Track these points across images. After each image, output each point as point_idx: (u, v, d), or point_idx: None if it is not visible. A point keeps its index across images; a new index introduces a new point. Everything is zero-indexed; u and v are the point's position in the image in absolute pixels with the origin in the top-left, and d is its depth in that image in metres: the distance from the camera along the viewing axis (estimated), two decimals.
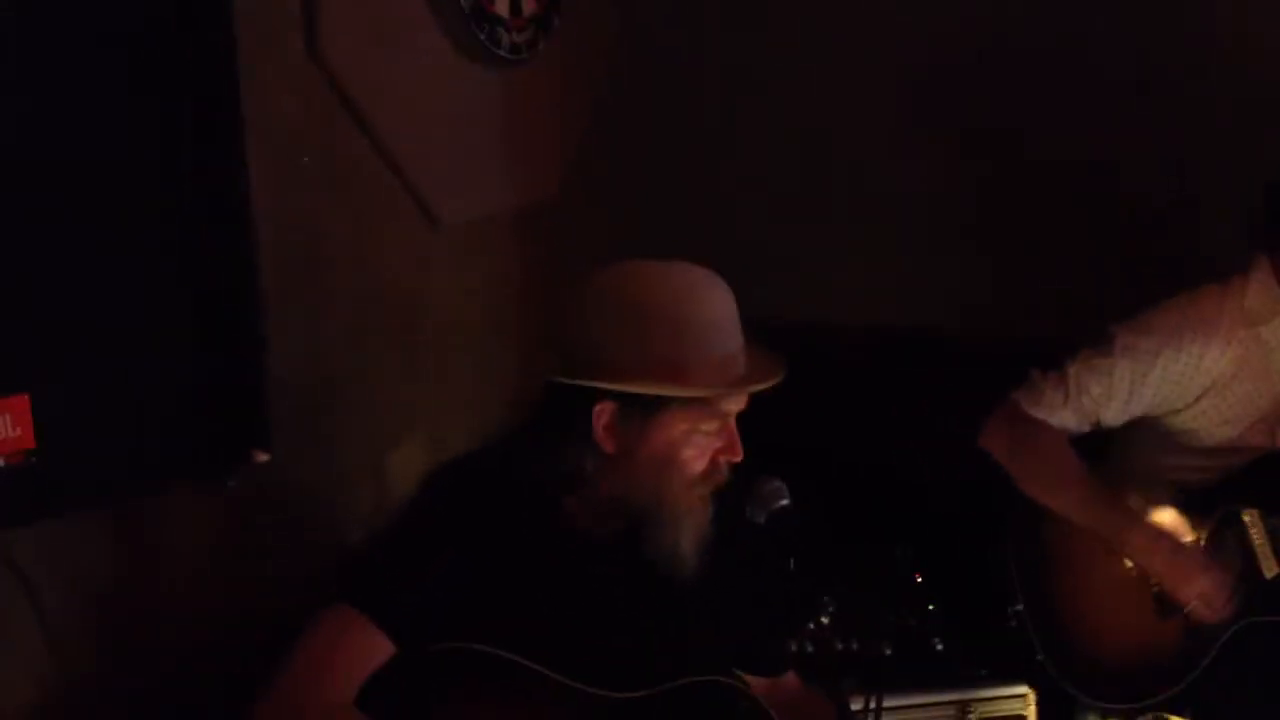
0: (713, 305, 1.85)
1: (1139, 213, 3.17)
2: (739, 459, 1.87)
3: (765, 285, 3.32)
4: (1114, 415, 2.60)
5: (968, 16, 3.23)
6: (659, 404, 1.81)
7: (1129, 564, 2.57)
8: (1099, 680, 2.55)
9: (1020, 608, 2.59)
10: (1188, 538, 2.58)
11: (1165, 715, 2.58)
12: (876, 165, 3.35)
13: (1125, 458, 2.71)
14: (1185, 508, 2.60)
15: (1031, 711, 2.65)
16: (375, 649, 1.77)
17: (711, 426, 1.83)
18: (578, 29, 3.00)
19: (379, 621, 1.77)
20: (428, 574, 1.80)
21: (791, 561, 1.87)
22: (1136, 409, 2.59)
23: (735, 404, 1.85)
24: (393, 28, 2.54)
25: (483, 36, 2.69)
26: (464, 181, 2.76)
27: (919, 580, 2.88)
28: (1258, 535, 2.53)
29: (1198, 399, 2.58)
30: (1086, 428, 2.62)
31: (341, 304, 2.49)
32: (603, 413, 1.82)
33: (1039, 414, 2.59)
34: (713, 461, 1.85)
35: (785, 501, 1.87)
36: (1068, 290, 3.25)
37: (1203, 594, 2.50)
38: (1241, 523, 2.54)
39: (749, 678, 1.98)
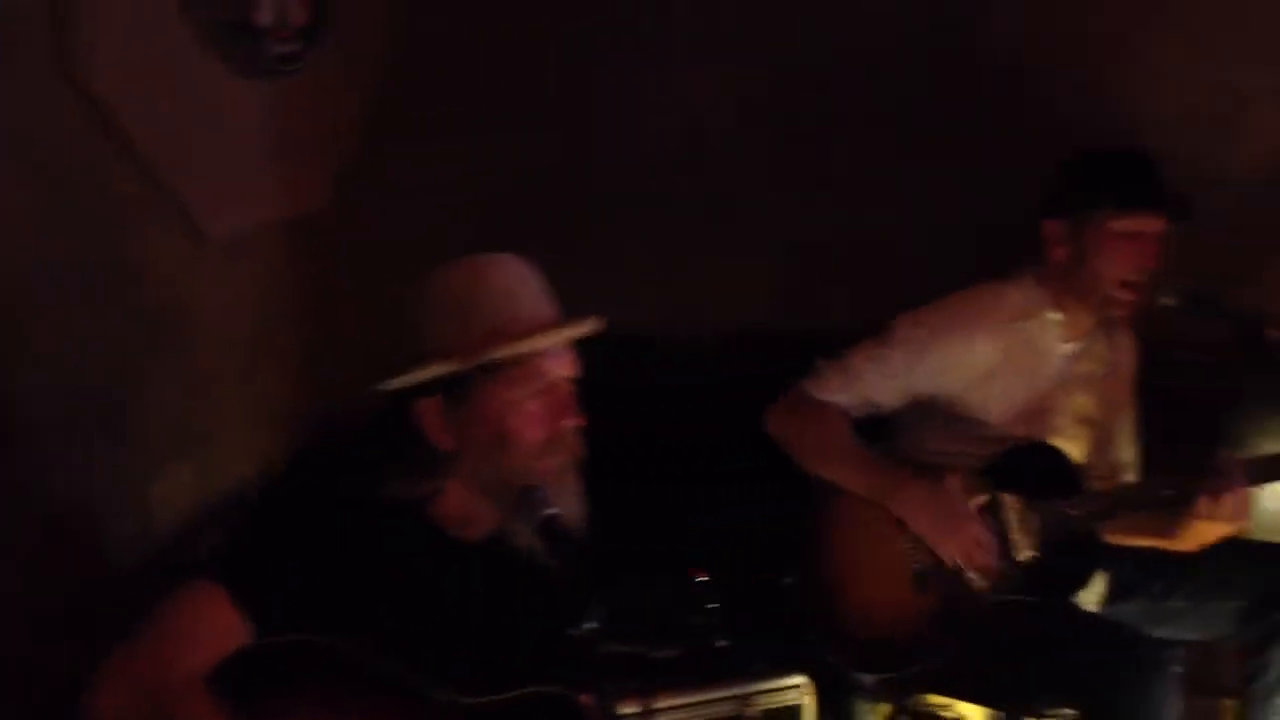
0: (504, 275, 1.88)
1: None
2: (578, 421, 1.88)
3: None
4: (889, 398, 2.74)
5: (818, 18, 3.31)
6: (473, 382, 1.83)
7: (892, 542, 2.66)
8: (859, 652, 2.65)
9: (791, 580, 2.69)
10: None
11: (926, 698, 2.70)
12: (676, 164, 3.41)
13: (900, 442, 2.83)
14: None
15: (809, 700, 2.75)
16: (230, 628, 1.71)
17: (534, 390, 1.84)
18: (349, 40, 2.95)
19: (237, 598, 1.72)
20: (293, 560, 1.77)
21: (559, 568, 1.89)
22: (911, 394, 2.74)
23: (558, 366, 1.87)
24: (147, 41, 2.46)
25: (245, 49, 2.63)
26: (230, 194, 2.71)
27: (703, 579, 2.94)
28: (1015, 519, 2.65)
29: (966, 388, 2.72)
30: (864, 411, 2.76)
31: (103, 318, 2.41)
32: (426, 410, 1.83)
33: (821, 395, 2.74)
34: (553, 428, 1.86)
35: (553, 511, 1.88)
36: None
37: (965, 548, 2.61)
38: (1002, 506, 2.67)
39: None
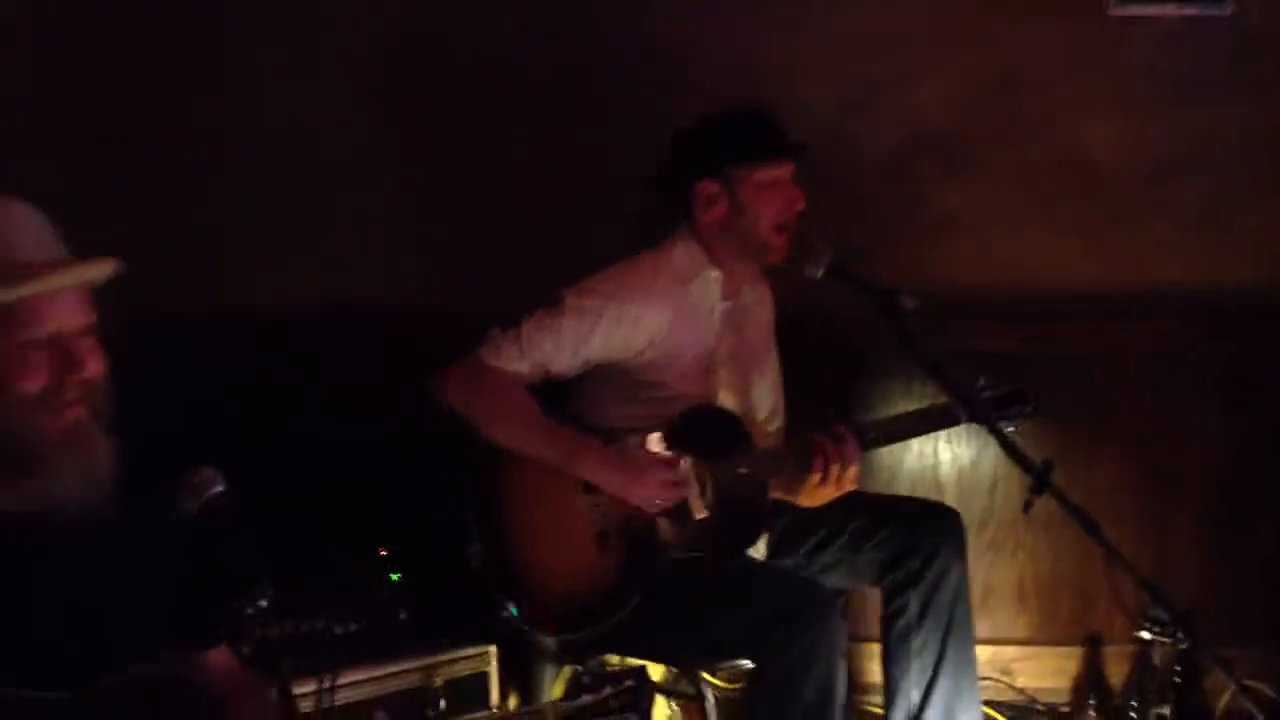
0: (4, 218, 1.76)
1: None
2: (89, 374, 1.76)
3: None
4: (563, 366, 2.78)
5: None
6: None
7: (573, 504, 2.72)
8: (547, 614, 2.69)
9: (477, 547, 2.69)
10: None
11: (607, 658, 2.78)
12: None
13: (579, 407, 2.89)
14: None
15: (493, 667, 2.80)
16: None
17: (34, 335, 1.72)
18: None
19: None
20: None
21: (227, 548, 1.85)
22: (583, 361, 2.79)
23: (64, 314, 1.75)
24: None
25: None
26: None
27: (383, 553, 2.94)
28: (689, 479, 2.74)
29: (640, 352, 2.80)
30: (540, 377, 2.79)
31: None
32: None
33: (496, 363, 2.75)
34: (53, 380, 1.74)
35: (219, 488, 1.83)
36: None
37: (652, 494, 2.70)
38: (676, 466, 2.74)
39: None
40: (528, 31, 3.36)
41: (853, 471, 2.73)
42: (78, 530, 1.78)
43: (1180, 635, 2.43)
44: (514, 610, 2.67)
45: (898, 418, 2.86)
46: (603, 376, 2.84)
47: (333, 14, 3.39)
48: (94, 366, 1.78)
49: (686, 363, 2.84)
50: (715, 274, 2.86)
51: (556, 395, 2.86)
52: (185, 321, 3.30)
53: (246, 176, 3.39)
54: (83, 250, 1.83)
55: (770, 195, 2.78)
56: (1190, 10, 3.28)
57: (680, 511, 2.75)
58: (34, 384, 1.73)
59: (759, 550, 2.88)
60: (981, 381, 2.78)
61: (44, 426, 1.74)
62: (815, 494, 2.76)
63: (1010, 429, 2.69)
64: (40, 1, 3.32)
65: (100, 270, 1.80)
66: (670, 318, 2.80)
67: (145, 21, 3.34)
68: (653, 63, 3.30)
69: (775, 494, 2.86)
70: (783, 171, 2.79)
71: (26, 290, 1.72)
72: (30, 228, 1.79)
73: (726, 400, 2.90)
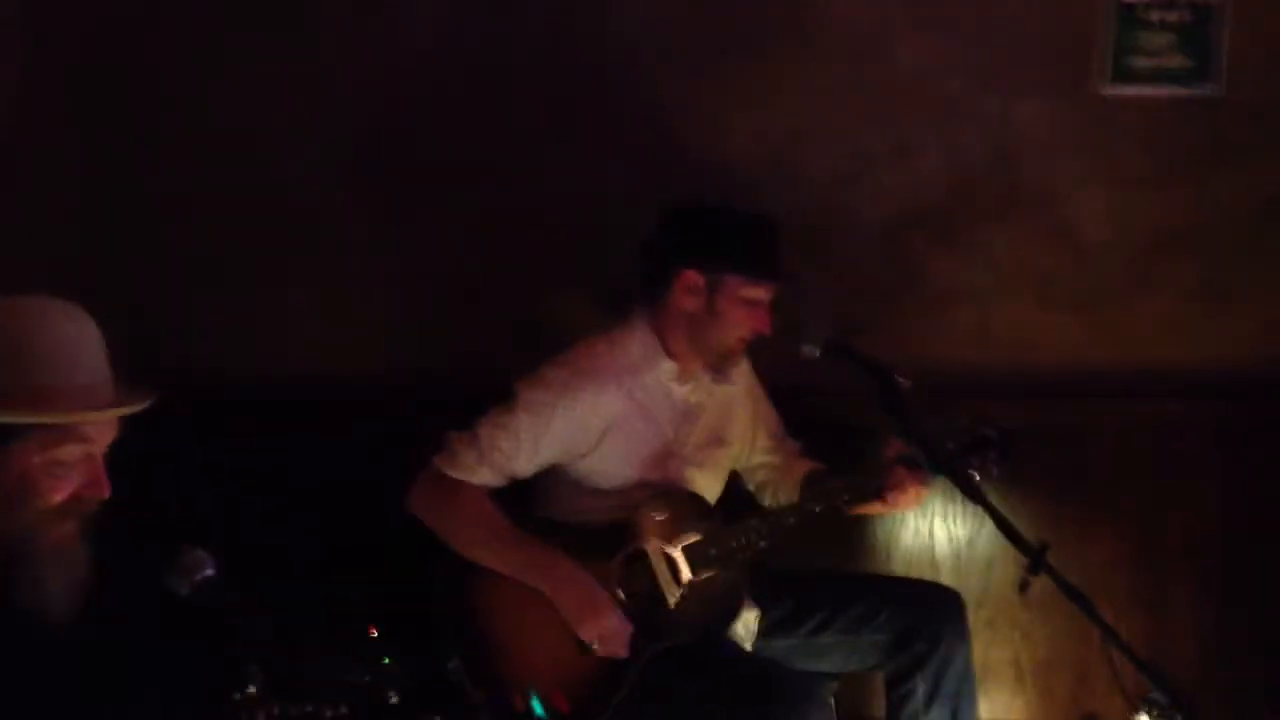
0: (60, 331, 1.78)
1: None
2: (105, 495, 1.78)
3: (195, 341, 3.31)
4: (524, 466, 2.74)
5: (417, 62, 3.31)
6: (7, 434, 1.71)
7: (552, 607, 2.68)
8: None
9: (455, 663, 2.65)
10: (600, 575, 2.72)
11: None
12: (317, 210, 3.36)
13: (542, 505, 2.85)
14: (597, 548, 2.75)
15: None
16: None
17: (71, 456, 1.75)
18: None
19: None
20: None
21: (217, 633, 1.83)
22: (545, 458, 2.75)
23: (101, 434, 1.78)
24: None
25: None
26: None
27: (374, 634, 2.90)
28: (659, 567, 2.73)
29: (599, 442, 2.76)
30: (503, 482, 2.75)
31: None
32: None
33: (458, 475, 2.71)
34: (75, 495, 1.76)
35: (210, 572, 1.83)
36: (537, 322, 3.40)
37: (601, 635, 2.66)
38: (645, 556, 2.73)
39: None
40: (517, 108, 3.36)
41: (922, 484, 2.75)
42: (58, 631, 1.77)
43: (1179, 719, 2.40)
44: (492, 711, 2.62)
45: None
46: (560, 472, 2.81)
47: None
48: (108, 487, 1.80)
49: (645, 450, 2.82)
50: (669, 365, 2.83)
51: (520, 492, 2.82)
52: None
53: (228, 235, 3.37)
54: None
55: (747, 312, 2.77)
56: (1180, 90, 3.31)
57: (653, 601, 2.72)
58: (60, 496, 1.75)
59: (750, 631, 2.85)
60: (951, 429, 2.79)
61: (42, 537, 1.75)
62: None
63: (980, 477, 2.69)
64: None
65: (142, 405, 1.82)
66: (625, 404, 2.78)
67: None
68: (649, 128, 3.31)
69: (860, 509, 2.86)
70: (766, 293, 2.78)
71: (82, 418, 1.74)
72: (86, 345, 1.80)
73: (701, 479, 2.88)
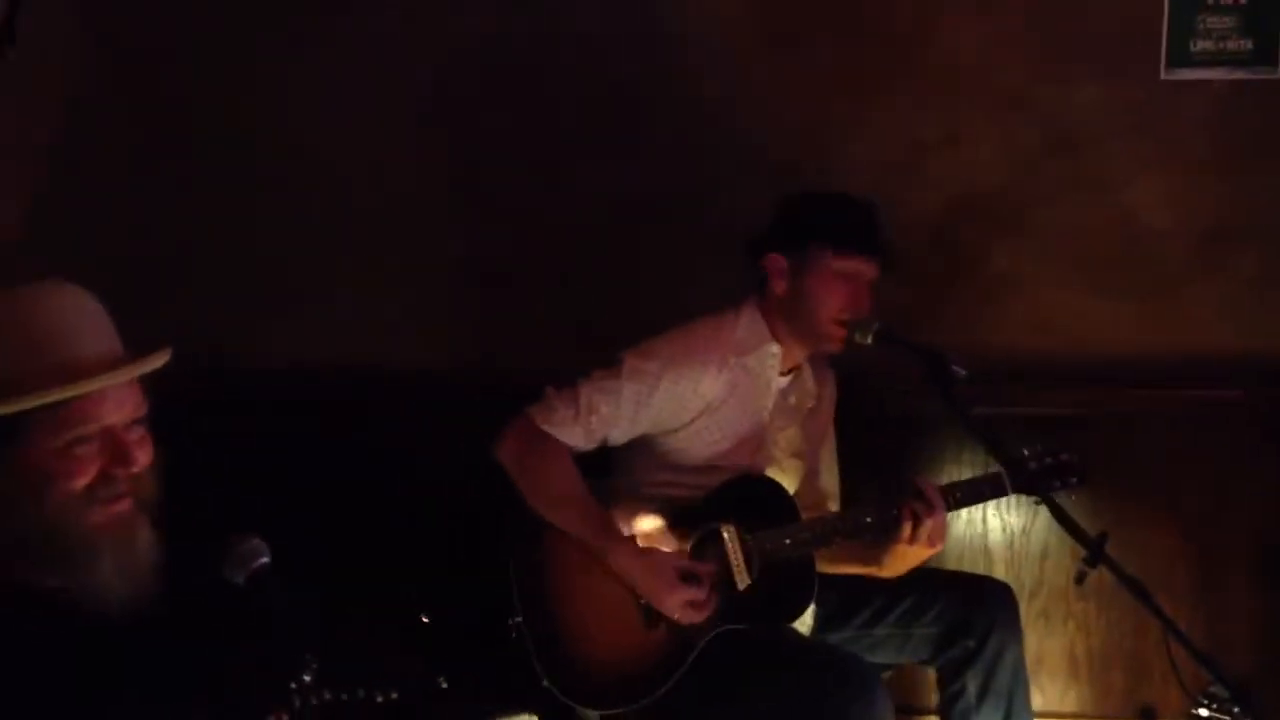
0: (47, 311, 1.73)
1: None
2: (135, 468, 1.74)
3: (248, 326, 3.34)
4: (621, 433, 2.75)
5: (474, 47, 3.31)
6: (16, 427, 1.67)
7: (618, 578, 2.69)
8: (590, 688, 2.66)
9: (520, 619, 2.67)
10: (671, 548, 2.74)
11: None
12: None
13: (623, 473, 2.86)
14: (673, 522, 2.77)
15: None
16: None
17: (88, 432, 1.70)
18: (42, 38, 2.80)
19: None
20: None
21: (275, 622, 1.84)
22: (640, 428, 2.76)
23: (118, 406, 1.73)
24: None
25: None
26: None
27: (425, 621, 2.91)
28: (733, 550, 2.72)
29: (694, 419, 2.77)
30: (594, 445, 2.76)
31: None
32: None
33: (550, 430, 2.71)
34: (102, 473, 1.71)
35: (265, 559, 1.82)
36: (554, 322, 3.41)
37: (679, 606, 2.66)
38: (720, 538, 2.73)
39: None
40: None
41: (942, 528, 2.69)
42: (121, 623, 1.74)
43: (1239, 712, 2.36)
44: (553, 684, 2.64)
45: (953, 486, 2.79)
46: (650, 441, 2.81)
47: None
48: (142, 458, 1.76)
49: (737, 435, 2.81)
50: (775, 349, 2.83)
51: (603, 456, 2.83)
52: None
53: (280, 229, 3.39)
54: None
55: (837, 286, 2.74)
56: (1240, 74, 3.25)
57: (724, 583, 2.71)
58: (81, 480, 1.71)
59: (805, 624, 2.84)
60: (1027, 451, 2.74)
61: (88, 522, 1.71)
62: (904, 558, 2.73)
63: (1056, 499, 2.65)
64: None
65: (155, 363, 1.78)
66: (726, 386, 2.77)
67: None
68: (699, 119, 3.29)
69: (847, 567, 2.83)
70: (860, 267, 2.75)
71: (79, 390, 1.69)
72: (85, 319, 1.76)
73: (776, 478, 2.86)
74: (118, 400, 1.74)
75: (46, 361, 1.69)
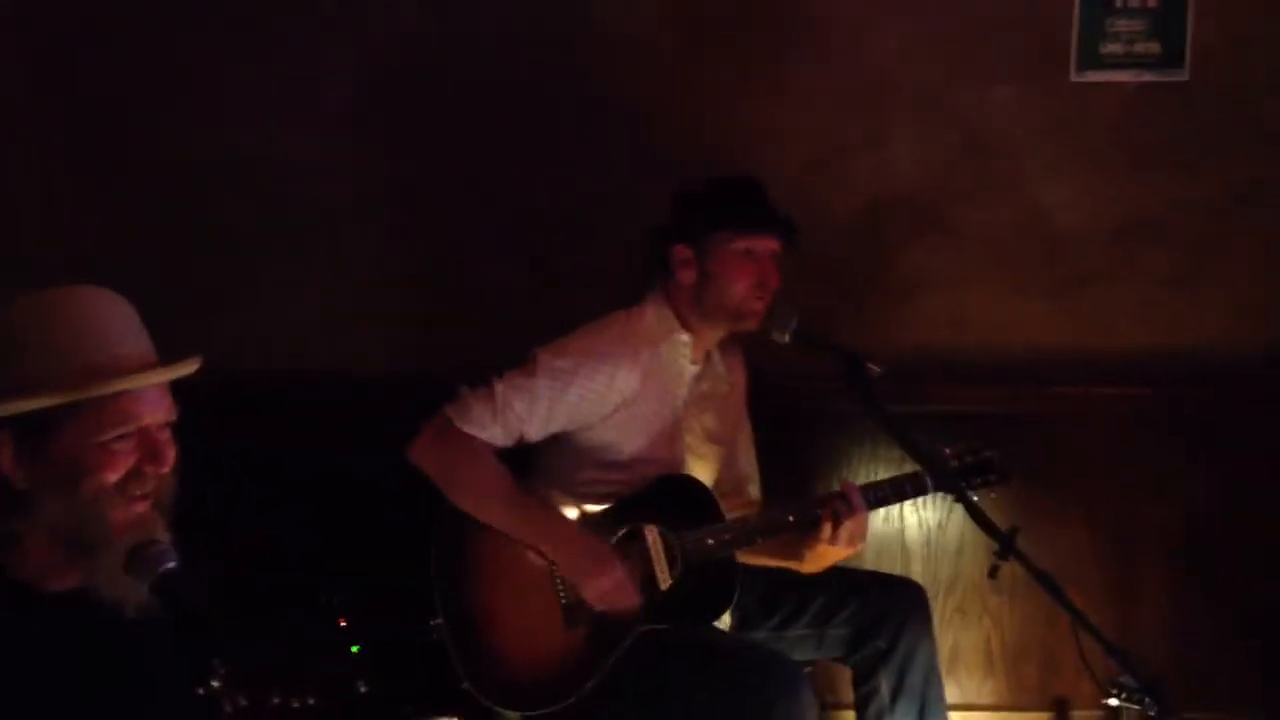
0: (89, 310, 1.77)
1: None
2: (165, 469, 1.77)
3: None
4: (536, 430, 2.75)
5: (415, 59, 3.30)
6: (51, 420, 1.70)
7: (541, 577, 2.70)
8: (511, 689, 2.66)
9: (440, 620, 2.66)
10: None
11: None
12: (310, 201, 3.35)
13: (544, 474, 2.86)
14: (595, 523, 2.78)
15: None
16: None
17: (121, 430, 1.73)
18: None
19: None
20: None
21: (180, 626, 1.81)
22: (557, 424, 2.76)
23: (151, 407, 1.76)
24: None
25: None
26: None
27: (342, 624, 2.89)
28: (655, 550, 2.74)
29: (612, 413, 2.78)
30: (511, 442, 2.76)
31: None
32: None
33: (468, 429, 2.70)
34: (134, 470, 1.74)
35: (171, 564, 1.79)
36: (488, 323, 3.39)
37: (605, 592, 2.67)
38: (643, 537, 2.75)
39: None
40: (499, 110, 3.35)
41: (863, 528, 2.72)
42: (135, 624, 1.77)
43: (1149, 702, 2.41)
44: (474, 686, 2.63)
45: (874, 485, 2.82)
46: (567, 441, 2.81)
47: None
48: (171, 458, 1.79)
49: (654, 427, 2.82)
50: (685, 337, 2.85)
51: (522, 460, 2.83)
52: None
53: (229, 225, 3.35)
54: None
55: (741, 266, 2.77)
56: (1149, 76, 3.31)
57: (646, 583, 2.72)
58: (115, 474, 1.73)
59: (724, 624, 2.85)
60: (949, 449, 2.77)
61: (111, 518, 1.73)
62: (825, 556, 2.75)
63: (976, 497, 2.68)
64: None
65: (189, 368, 1.81)
66: (640, 379, 2.79)
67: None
68: (619, 126, 3.30)
69: (775, 562, 2.84)
70: (758, 244, 2.78)
71: (120, 387, 1.72)
72: (126, 321, 1.80)
73: (696, 468, 2.88)
74: (156, 401, 1.77)
75: (95, 358, 1.73)
